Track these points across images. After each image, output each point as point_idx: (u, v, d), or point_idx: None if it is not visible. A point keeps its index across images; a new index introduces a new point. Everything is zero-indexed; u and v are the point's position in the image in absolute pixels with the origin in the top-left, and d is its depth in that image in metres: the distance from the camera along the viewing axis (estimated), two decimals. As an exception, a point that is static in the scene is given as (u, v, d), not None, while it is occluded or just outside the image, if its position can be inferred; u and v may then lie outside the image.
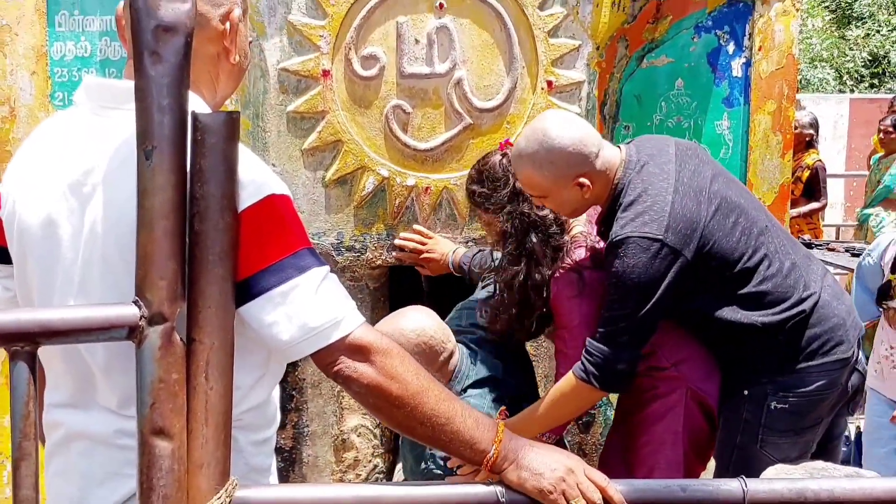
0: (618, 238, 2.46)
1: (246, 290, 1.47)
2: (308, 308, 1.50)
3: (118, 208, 1.49)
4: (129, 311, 1.30)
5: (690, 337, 2.71)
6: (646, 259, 2.43)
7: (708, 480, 1.50)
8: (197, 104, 1.61)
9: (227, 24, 1.64)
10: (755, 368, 2.59)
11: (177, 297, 1.32)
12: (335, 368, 1.53)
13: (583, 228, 2.83)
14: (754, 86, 3.61)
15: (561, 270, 2.76)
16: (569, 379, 2.58)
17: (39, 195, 1.59)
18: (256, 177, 1.52)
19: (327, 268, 1.58)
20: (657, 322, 2.52)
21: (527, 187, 2.64)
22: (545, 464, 1.53)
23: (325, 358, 1.53)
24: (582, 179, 2.53)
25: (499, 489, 1.40)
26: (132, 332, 1.31)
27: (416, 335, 2.75)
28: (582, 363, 2.54)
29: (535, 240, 2.77)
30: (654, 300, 2.45)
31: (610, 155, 2.59)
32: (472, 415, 1.57)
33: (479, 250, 3.27)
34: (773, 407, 2.57)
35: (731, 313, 2.55)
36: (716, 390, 2.71)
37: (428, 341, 2.76)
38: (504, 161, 2.87)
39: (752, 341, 2.57)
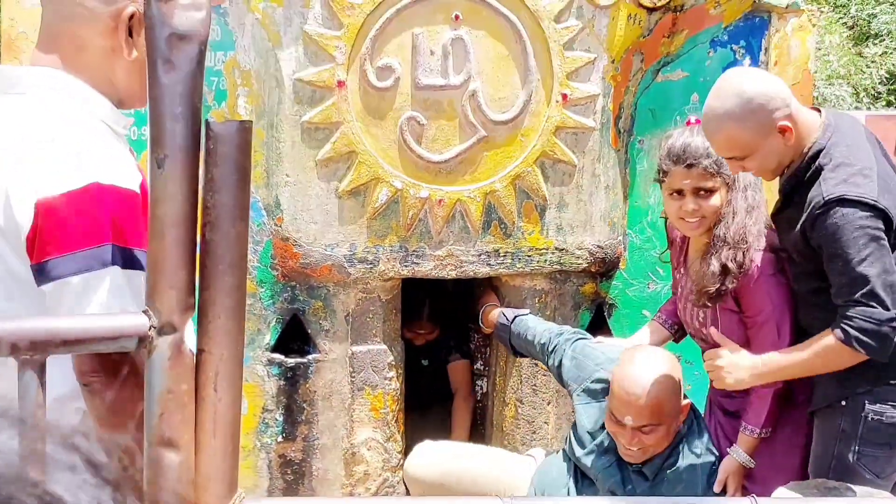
0: (832, 197, 2.43)
1: (43, 273, 1.52)
2: (96, 306, 1.52)
3: None
4: (139, 321, 1.29)
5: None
6: (863, 216, 2.40)
7: (719, 498, 1.48)
8: (82, 89, 1.66)
9: (119, 22, 1.66)
10: (854, 378, 2.53)
11: (187, 308, 1.31)
12: (92, 378, 1.53)
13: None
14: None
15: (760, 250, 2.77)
16: (829, 342, 2.48)
17: None
18: (87, 162, 1.55)
19: (137, 274, 1.55)
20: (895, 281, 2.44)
21: (729, 149, 2.54)
22: None
23: (88, 362, 1.52)
24: (786, 123, 2.47)
25: (507, 503, 1.39)
26: (141, 342, 1.30)
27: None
28: (843, 328, 2.44)
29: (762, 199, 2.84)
30: (884, 254, 2.41)
31: (802, 108, 2.57)
32: None
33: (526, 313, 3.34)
34: (870, 418, 2.52)
35: None
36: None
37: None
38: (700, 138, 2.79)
39: None
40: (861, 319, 2.41)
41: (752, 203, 2.81)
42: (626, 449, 2.57)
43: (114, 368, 1.51)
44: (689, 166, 2.79)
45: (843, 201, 2.41)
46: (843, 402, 2.55)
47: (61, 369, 1.56)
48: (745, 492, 2.84)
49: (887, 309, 2.40)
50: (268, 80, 3.28)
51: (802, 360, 2.53)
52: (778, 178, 2.67)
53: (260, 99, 3.32)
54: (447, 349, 4.05)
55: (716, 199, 2.81)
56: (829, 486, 2.44)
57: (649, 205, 3.60)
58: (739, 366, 2.60)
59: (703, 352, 2.94)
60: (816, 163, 2.50)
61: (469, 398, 4.06)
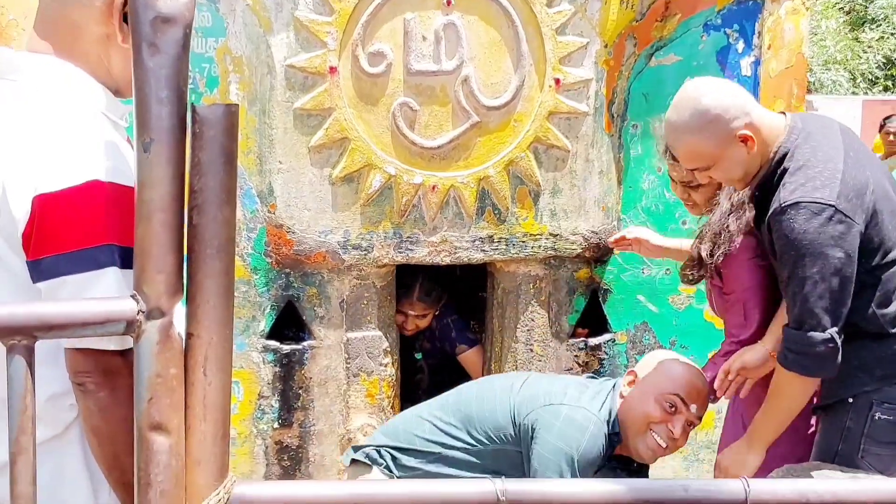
0: (787, 203, 2.37)
1: (39, 270, 1.51)
2: None
3: None
4: (127, 306, 1.29)
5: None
6: (818, 223, 2.33)
7: (710, 481, 1.48)
8: (80, 77, 1.65)
9: (113, 8, 1.66)
10: (862, 375, 2.50)
11: (175, 292, 1.31)
12: (85, 377, 1.52)
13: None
14: (764, 84, 3.59)
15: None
16: (778, 372, 2.49)
17: None
18: (87, 157, 1.53)
19: (128, 273, 1.52)
20: (847, 295, 2.38)
21: (692, 161, 2.54)
22: None
23: (82, 362, 1.52)
24: (745, 132, 2.44)
25: (499, 487, 1.39)
26: (130, 327, 1.30)
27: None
28: (783, 352, 2.44)
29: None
30: (835, 267, 2.34)
31: (765, 114, 2.54)
32: None
33: None
34: (877, 417, 2.48)
35: (858, 307, 2.43)
36: None
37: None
38: None
39: (867, 345, 2.47)
40: (794, 342, 2.40)
41: (740, 200, 2.83)
42: (667, 440, 2.62)
43: (107, 369, 1.50)
44: (674, 163, 2.84)
45: (797, 206, 2.35)
46: (851, 400, 2.52)
47: (56, 368, 1.56)
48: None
49: (824, 329, 2.35)
50: (259, 66, 3.27)
51: (770, 407, 2.54)
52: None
53: (252, 85, 3.31)
54: (449, 340, 3.93)
55: (704, 191, 2.86)
56: (820, 468, 2.45)
57: (643, 189, 3.60)
58: (738, 460, 2.59)
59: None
60: (781, 167, 2.46)
61: None
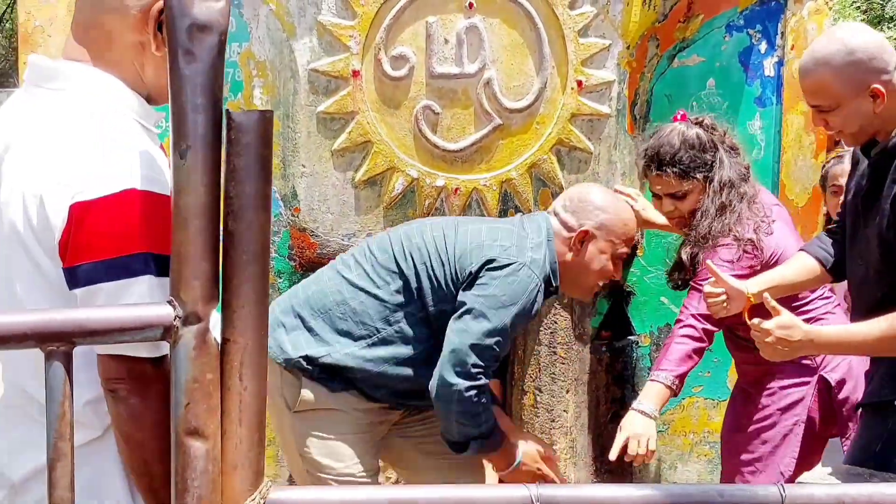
0: None
1: (75, 277, 1.52)
2: None
3: (18, 186, 1.56)
4: (164, 311, 1.30)
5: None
6: None
7: (746, 486, 1.48)
8: (116, 86, 1.66)
9: (148, 17, 1.66)
10: None
11: (211, 297, 1.32)
12: (117, 384, 1.53)
13: (761, 207, 2.97)
14: (787, 85, 3.57)
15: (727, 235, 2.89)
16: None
17: None
18: (124, 166, 1.54)
19: (163, 280, 1.53)
20: None
21: (814, 96, 2.50)
22: None
23: (115, 368, 1.52)
24: (878, 87, 2.39)
25: (533, 493, 1.39)
26: (167, 332, 1.30)
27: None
28: None
29: (745, 187, 2.94)
30: None
31: None
32: None
33: None
34: None
35: None
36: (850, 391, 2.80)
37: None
38: (699, 130, 2.96)
39: None
40: None
41: (727, 201, 2.86)
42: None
43: (139, 375, 1.51)
44: (659, 175, 2.94)
45: None
46: None
47: (91, 373, 1.58)
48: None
49: None
50: (283, 70, 3.28)
51: (869, 339, 2.40)
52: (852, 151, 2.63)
53: (275, 89, 3.32)
54: None
55: (691, 200, 2.96)
56: (853, 472, 2.43)
57: (666, 191, 3.59)
58: (788, 334, 2.47)
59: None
60: None
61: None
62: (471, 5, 3.23)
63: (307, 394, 2.68)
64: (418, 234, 2.75)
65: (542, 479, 2.81)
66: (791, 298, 2.81)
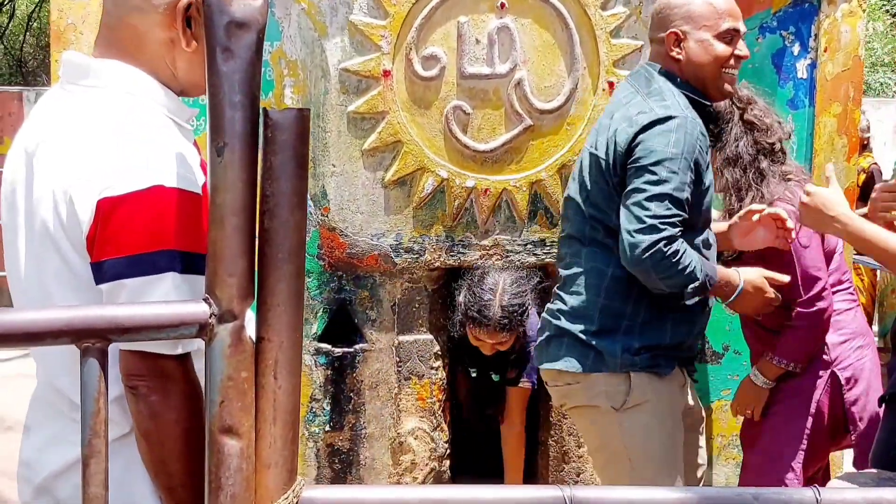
0: None
1: (101, 272, 1.52)
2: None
3: (49, 183, 1.56)
4: (200, 309, 1.30)
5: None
6: None
7: (781, 490, 1.46)
8: (148, 82, 1.67)
9: (175, 13, 1.66)
10: None
11: (246, 295, 1.32)
12: (138, 381, 1.52)
13: (796, 176, 2.96)
14: (819, 87, 3.53)
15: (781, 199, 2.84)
16: None
17: (11, 165, 1.69)
18: (152, 162, 1.54)
19: (198, 279, 1.52)
20: None
21: None
22: None
23: (136, 365, 1.51)
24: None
25: (566, 494, 1.37)
26: (202, 330, 1.30)
27: None
28: None
29: (764, 164, 2.91)
30: None
31: None
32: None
33: None
34: None
35: None
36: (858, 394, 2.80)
37: None
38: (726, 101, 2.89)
39: None
40: None
41: (733, 178, 2.93)
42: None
43: (161, 373, 1.51)
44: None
45: None
46: None
47: (116, 370, 1.58)
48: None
49: None
50: (314, 69, 3.29)
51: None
52: None
53: (306, 89, 3.33)
54: (521, 368, 3.55)
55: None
56: (884, 476, 2.40)
57: (697, 193, 3.56)
58: (826, 211, 2.47)
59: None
60: None
61: (523, 431, 3.64)
62: (502, 5, 3.23)
63: (638, 386, 2.60)
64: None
65: (769, 302, 2.72)
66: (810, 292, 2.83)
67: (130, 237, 1.51)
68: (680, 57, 2.60)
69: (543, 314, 2.76)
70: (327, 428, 3.51)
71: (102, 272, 1.53)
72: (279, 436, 1.34)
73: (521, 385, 3.55)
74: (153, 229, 1.52)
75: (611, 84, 3.29)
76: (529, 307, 3.27)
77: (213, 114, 1.29)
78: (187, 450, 1.52)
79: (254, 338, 1.34)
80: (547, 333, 2.69)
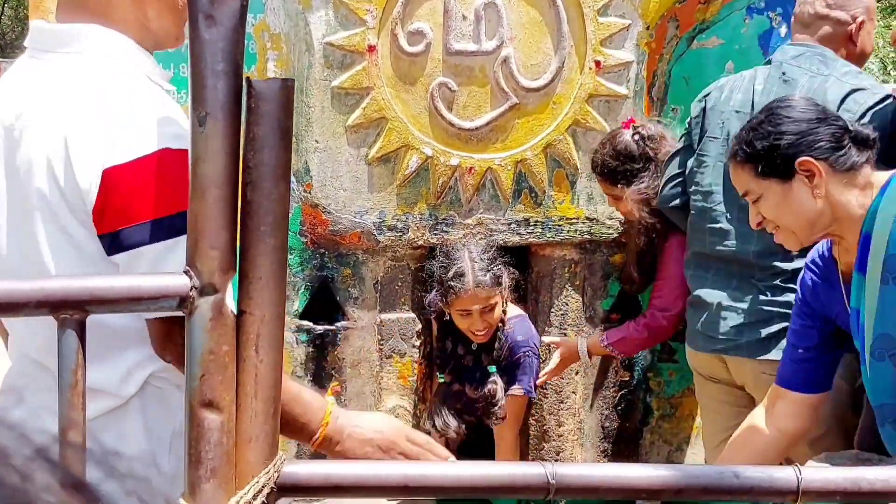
0: None
1: (116, 242, 1.50)
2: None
3: (42, 153, 1.53)
4: (180, 281, 1.28)
5: None
6: None
7: (762, 468, 1.46)
8: (128, 46, 1.63)
9: None
10: None
11: (228, 268, 1.30)
12: (175, 343, 1.50)
13: None
14: (807, 69, 3.52)
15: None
16: None
17: None
18: (154, 127, 1.52)
19: None
20: None
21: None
22: (370, 431, 1.69)
23: (168, 329, 1.51)
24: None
25: (549, 470, 1.37)
26: (182, 303, 1.28)
27: None
28: None
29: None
30: None
31: None
32: (300, 400, 1.64)
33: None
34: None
35: None
36: None
37: None
38: (636, 137, 3.05)
39: None
40: None
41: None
42: None
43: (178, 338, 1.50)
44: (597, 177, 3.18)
45: None
46: None
47: (118, 343, 1.57)
48: None
49: None
50: (297, 43, 3.25)
51: None
52: None
53: (289, 63, 3.29)
54: (512, 376, 3.34)
55: (622, 207, 3.17)
56: (861, 457, 2.41)
57: (682, 174, 3.56)
58: None
59: None
60: None
61: (516, 441, 3.48)
62: (489, -18, 3.20)
63: None
64: None
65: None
66: None
67: (145, 204, 1.50)
68: (857, 43, 2.63)
69: (766, 307, 2.77)
70: (308, 405, 3.49)
71: (118, 242, 1.51)
72: (260, 410, 1.32)
73: (512, 393, 3.33)
74: (166, 192, 1.50)
75: (598, 63, 3.27)
76: (503, 271, 3.19)
77: (194, 82, 1.26)
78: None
79: (235, 311, 1.33)
80: (777, 325, 2.72)
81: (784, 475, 1.43)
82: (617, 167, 3.09)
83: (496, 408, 3.30)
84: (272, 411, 1.34)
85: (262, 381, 1.32)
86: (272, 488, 1.34)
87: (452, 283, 3.13)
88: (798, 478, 1.42)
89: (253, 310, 1.31)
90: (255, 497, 1.33)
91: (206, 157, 1.27)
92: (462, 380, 3.40)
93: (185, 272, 1.30)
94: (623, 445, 3.76)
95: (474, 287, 3.11)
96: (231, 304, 1.33)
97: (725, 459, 2.32)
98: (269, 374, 1.32)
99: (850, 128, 1.99)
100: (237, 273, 1.32)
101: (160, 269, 1.51)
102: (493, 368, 3.33)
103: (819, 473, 1.47)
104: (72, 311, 1.27)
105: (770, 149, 2.00)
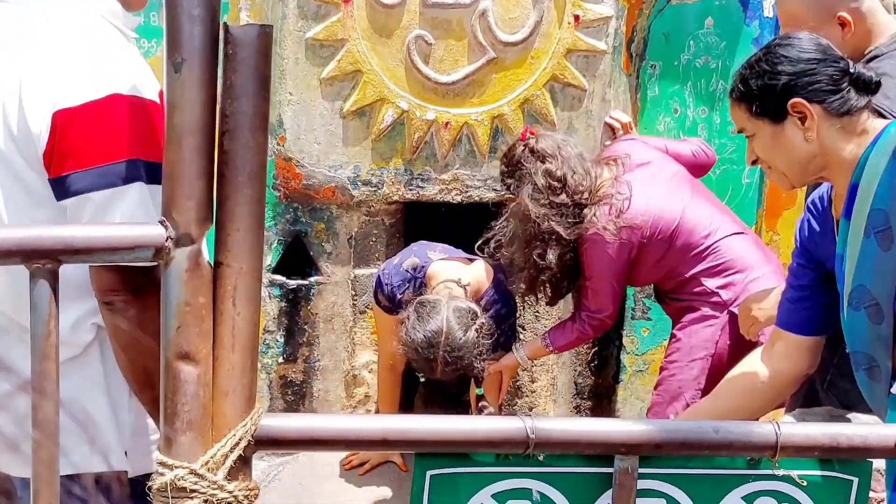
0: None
1: (63, 187, 1.48)
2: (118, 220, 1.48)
3: None
4: (156, 232, 1.25)
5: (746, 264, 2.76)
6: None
7: (741, 423, 1.46)
8: None
9: None
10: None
11: (205, 218, 1.27)
12: (113, 296, 1.49)
13: (609, 189, 2.83)
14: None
15: (590, 231, 2.80)
16: None
17: None
18: (106, 71, 1.49)
19: (153, 188, 1.49)
20: None
21: (786, 19, 2.54)
22: None
23: (109, 280, 1.48)
24: (845, 15, 2.42)
25: (528, 425, 1.37)
26: (158, 253, 1.26)
27: None
28: None
29: (554, 223, 2.81)
30: None
31: (879, 10, 2.48)
32: None
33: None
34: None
35: None
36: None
37: None
38: (525, 151, 2.89)
39: None
40: None
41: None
42: None
43: (136, 286, 1.47)
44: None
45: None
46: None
47: (77, 292, 1.53)
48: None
49: None
50: (272, -6, 3.20)
51: None
52: None
53: (263, 13, 3.24)
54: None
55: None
56: (833, 413, 2.43)
57: (658, 131, 3.55)
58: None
59: None
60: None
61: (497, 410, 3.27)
62: (468, -67, 3.15)
63: None
64: None
65: None
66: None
67: (92, 149, 1.47)
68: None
69: None
70: (280, 360, 3.48)
71: (65, 187, 1.49)
72: (237, 363, 1.31)
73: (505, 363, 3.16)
74: (115, 139, 1.48)
75: (577, 17, 3.24)
76: (481, 345, 2.91)
77: (170, 28, 1.22)
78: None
79: (211, 262, 1.31)
80: None
81: (763, 430, 1.44)
82: (503, 175, 3.01)
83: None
84: (249, 364, 1.32)
85: (240, 334, 1.30)
86: (249, 441, 1.33)
87: (420, 355, 2.87)
88: (777, 433, 1.43)
89: (230, 261, 1.28)
90: (231, 450, 1.32)
91: (182, 105, 1.24)
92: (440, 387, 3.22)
93: (161, 222, 1.27)
94: (596, 402, 3.78)
95: (440, 375, 2.92)
96: (207, 255, 1.31)
97: (720, 393, 2.33)
98: (246, 327, 1.30)
99: (852, 70, 1.97)
100: (214, 224, 1.30)
101: (105, 217, 1.48)
102: (480, 391, 3.20)
103: (798, 429, 1.48)
104: (45, 261, 1.24)
105: (764, 88, 1.98)
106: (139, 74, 1.51)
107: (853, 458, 1.45)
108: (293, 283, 3.44)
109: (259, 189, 1.29)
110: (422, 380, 3.32)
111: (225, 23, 1.24)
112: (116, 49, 1.53)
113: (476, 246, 3.00)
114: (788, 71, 1.96)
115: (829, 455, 1.43)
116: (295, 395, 3.52)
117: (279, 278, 3.43)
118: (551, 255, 2.83)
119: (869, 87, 1.96)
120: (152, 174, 1.47)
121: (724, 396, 2.31)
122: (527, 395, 3.70)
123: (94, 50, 1.50)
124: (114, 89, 1.46)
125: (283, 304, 3.44)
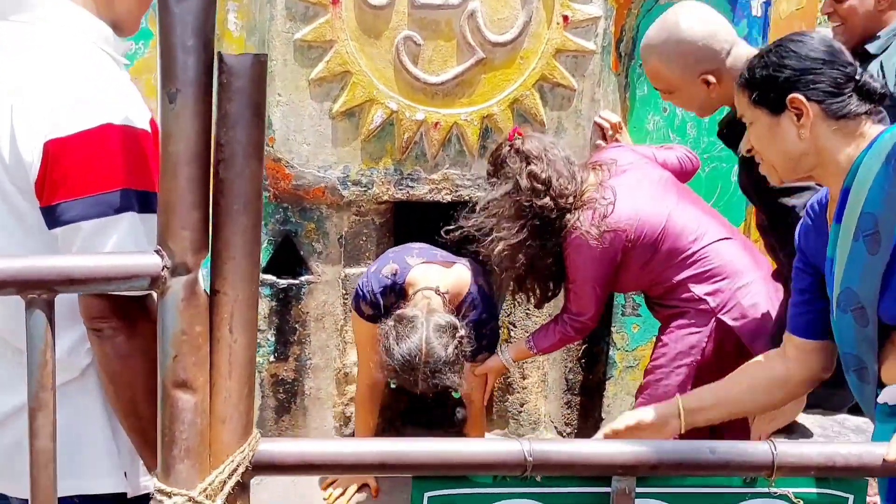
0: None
1: (54, 216, 1.47)
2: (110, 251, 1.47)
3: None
4: (151, 261, 1.25)
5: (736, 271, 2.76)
6: None
7: (737, 442, 1.48)
8: (85, 16, 1.58)
9: None
10: None
11: (200, 248, 1.27)
12: (101, 323, 1.48)
13: (594, 193, 2.82)
14: (773, 26, 3.53)
15: (573, 234, 2.80)
16: None
17: None
18: (99, 101, 1.48)
19: (145, 217, 1.49)
20: None
21: (653, 80, 2.63)
22: None
23: (98, 307, 1.47)
24: (708, 77, 2.47)
25: (525, 448, 1.37)
26: (154, 283, 1.26)
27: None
28: None
29: (538, 223, 2.82)
30: None
31: (745, 54, 2.47)
32: None
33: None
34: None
35: None
36: (754, 328, 2.73)
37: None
38: (511, 151, 2.89)
39: None
40: None
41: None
42: None
43: (125, 313, 1.46)
44: None
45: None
46: None
47: (73, 317, 1.53)
48: None
49: None
50: (260, -5, 3.18)
51: None
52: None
53: (251, 14, 3.22)
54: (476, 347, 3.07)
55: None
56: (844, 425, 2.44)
57: (648, 130, 3.56)
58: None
59: None
60: None
61: (482, 410, 3.32)
62: (456, -67, 3.13)
63: None
64: None
65: None
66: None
67: (84, 178, 1.46)
68: None
69: None
70: (272, 359, 3.48)
71: (56, 216, 1.48)
72: (235, 390, 1.31)
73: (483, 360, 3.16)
74: (107, 169, 1.47)
75: (565, 18, 3.23)
76: (457, 371, 2.88)
77: (164, 58, 1.22)
78: (157, 389, 1.49)
79: (208, 291, 1.31)
80: None
81: (759, 451, 1.45)
82: (488, 172, 3.03)
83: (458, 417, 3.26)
84: (247, 391, 1.32)
85: (237, 361, 1.30)
86: (247, 467, 1.33)
87: (399, 374, 2.87)
88: (773, 453, 1.44)
89: (226, 289, 1.29)
90: (230, 476, 1.32)
91: (177, 135, 1.24)
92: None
93: (157, 251, 1.27)
94: (586, 398, 3.80)
95: (421, 390, 2.90)
96: (203, 283, 1.31)
97: (732, 380, 2.32)
98: (243, 354, 1.31)
99: (858, 77, 1.98)
100: (210, 252, 1.30)
101: (96, 246, 1.47)
102: (457, 395, 3.04)
103: (794, 448, 1.50)
104: (40, 291, 1.24)
105: (767, 79, 2.01)
106: (130, 103, 1.50)
107: (849, 476, 1.46)
108: (284, 282, 3.44)
109: (254, 217, 1.29)
110: (392, 386, 3.10)
111: (219, 52, 1.23)
112: (108, 78, 1.52)
113: (447, 236, 2.98)
114: (793, 66, 1.98)
115: (824, 474, 1.45)
116: (286, 394, 3.53)
117: (270, 277, 3.42)
118: (531, 257, 2.86)
119: (873, 96, 1.98)
120: (144, 204, 1.47)
121: (735, 382, 2.31)
122: (518, 392, 3.72)
123: (86, 79, 1.50)
124: (106, 119, 1.46)
125: (274, 303, 3.44)
